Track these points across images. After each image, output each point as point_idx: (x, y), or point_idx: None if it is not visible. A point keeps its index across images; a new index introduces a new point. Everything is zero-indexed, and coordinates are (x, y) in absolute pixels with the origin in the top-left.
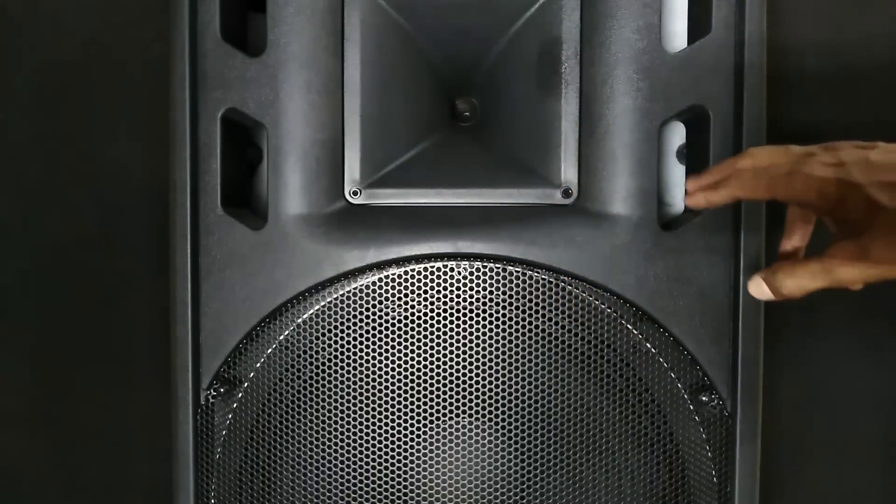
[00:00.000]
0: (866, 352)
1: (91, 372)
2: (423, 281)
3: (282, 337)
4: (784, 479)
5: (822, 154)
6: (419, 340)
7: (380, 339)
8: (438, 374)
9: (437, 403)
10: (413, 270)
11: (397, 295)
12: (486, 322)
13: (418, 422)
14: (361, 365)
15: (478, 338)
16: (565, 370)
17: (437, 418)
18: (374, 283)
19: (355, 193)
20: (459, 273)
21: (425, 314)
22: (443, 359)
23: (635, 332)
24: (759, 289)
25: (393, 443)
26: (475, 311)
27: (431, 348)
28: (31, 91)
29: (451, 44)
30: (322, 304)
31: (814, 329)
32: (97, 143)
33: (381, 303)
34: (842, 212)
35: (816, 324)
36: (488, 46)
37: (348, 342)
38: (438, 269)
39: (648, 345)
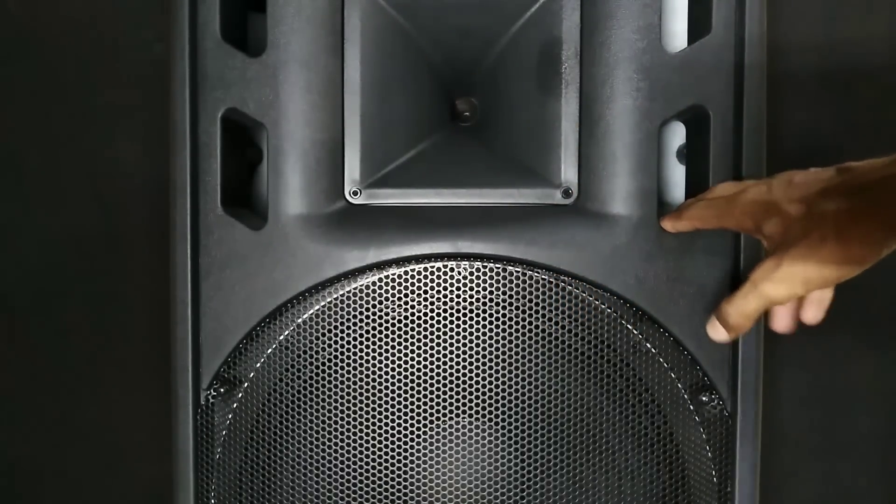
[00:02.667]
0: (866, 352)
1: (91, 372)
2: (423, 281)
3: (282, 337)
4: (784, 479)
5: (763, 182)
6: (419, 340)
7: (380, 339)
8: (438, 375)
9: (437, 403)
10: (413, 270)
11: (397, 295)
12: (487, 322)
13: (418, 422)
14: (361, 365)
15: (478, 338)
16: (565, 370)
17: (437, 418)
18: (374, 283)
19: (355, 193)
20: (459, 273)
21: (425, 314)
22: (443, 359)
23: (635, 332)
24: (715, 331)
25: (393, 443)
26: (475, 311)
27: (431, 348)
28: (31, 91)
29: (451, 44)
30: (322, 304)
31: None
32: (97, 143)
33: (381, 303)
34: (767, 230)
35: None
36: (488, 46)
37: (348, 342)
38: (438, 269)
39: (648, 345)
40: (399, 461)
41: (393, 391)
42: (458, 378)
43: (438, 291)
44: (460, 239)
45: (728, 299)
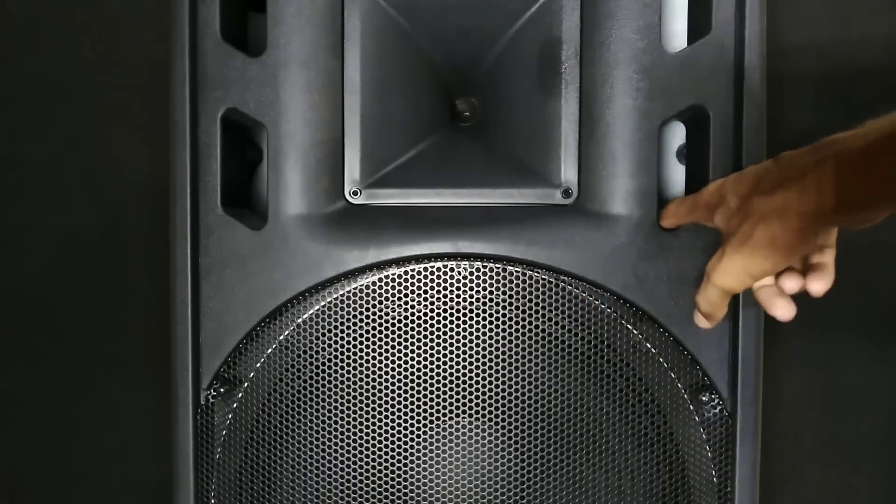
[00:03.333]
0: (866, 352)
1: (91, 372)
2: (423, 281)
3: (282, 337)
4: (784, 479)
5: (728, 176)
6: (419, 340)
7: (380, 339)
8: (439, 374)
9: (437, 403)
10: (413, 270)
11: (397, 295)
12: (487, 322)
13: (418, 422)
14: (362, 365)
15: (478, 338)
16: (565, 370)
17: (437, 418)
18: (374, 283)
19: (355, 193)
20: (459, 273)
21: (425, 314)
22: (443, 359)
23: (635, 332)
24: (698, 319)
25: (393, 443)
26: (475, 311)
27: (431, 348)
28: (31, 91)
29: (451, 44)
30: (322, 304)
31: (814, 329)
32: (97, 143)
33: (381, 303)
34: (716, 222)
35: (816, 324)
36: (488, 46)
37: (348, 342)
38: (438, 269)
39: (648, 345)
40: (399, 461)
41: (393, 391)
42: (458, 378)
43: (438, 291)
44: (460, 239)
45: (698, 290)
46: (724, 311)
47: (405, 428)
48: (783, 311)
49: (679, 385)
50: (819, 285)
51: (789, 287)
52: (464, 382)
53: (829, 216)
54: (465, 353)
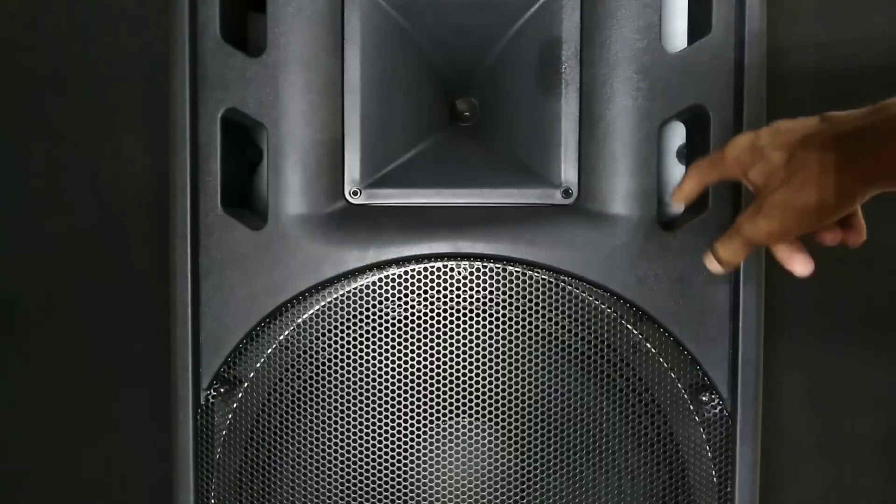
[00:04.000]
0: (866, 352)
1: (91, 372)
2: (423, 281)
3: (282, 337)
4: (784, 479)
5: (753, 132)
6: (419, 340)
7: (380, 339)
8: (439, 374)
9: (437, 403)
10: (413, 270)
11: (397, 295)
12: (487, 322)
13: (418, 422)
14: (361, 365)
15: (478, 338)
16: (565, 370)
17: (438, 418)
18: (374, 283)
19: (355, 193)
20: (459, 273)
21: (425, 314)
22: (443, 359)
23: (635, 332)
24: (710, 262)
25: (393, 442)
26: (475, 311)
27: (431, 348)
28: (31, 91)
29: (451, 44)
30: (322, 304)
31: (814, 329)
32: (97, 143)
33: (381, 303)
34: (752, 176)
35: (816, 324)
36: (488, 46)
37: (348, 342)
38: (438, 269)
39: (648, 345)
40: (399, 461)
41: (393, 391)
42: (458, 378)
43: (438, 291)
44: (460, 239)
45: (720, 240)
46: (741, 262)
47: (405, 428)
48: (803, 266)
49: (679, 385)
50: (857, 237)
51: (830, 240)
52: (464, 382)
53: (888, 180)
54: (465, 353)
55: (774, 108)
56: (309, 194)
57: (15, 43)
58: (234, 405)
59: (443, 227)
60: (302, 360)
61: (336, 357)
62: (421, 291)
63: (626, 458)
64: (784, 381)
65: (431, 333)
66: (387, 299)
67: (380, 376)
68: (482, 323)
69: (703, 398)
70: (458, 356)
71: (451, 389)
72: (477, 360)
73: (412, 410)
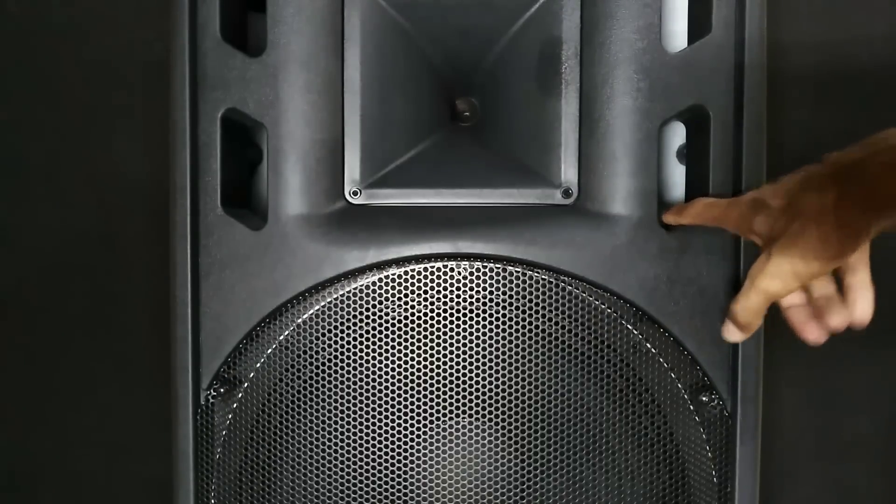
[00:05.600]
0: (866, 352)
1: (91, 371)
2: (423, 281)
3: (282, 337)
4: (784, 479)
5: (755, 191)
6: (419, 340)
7: (380, 339)
8: (438, 374)
9: (437, 403)
10: (413, 270)
11: (397, 295)
12: (487, 322)
13: (418, 422)
14: (361, 365)
15: (478, 338)
16: (565, 370)
17: (437, 418)
18: (374, 283)
19: (355, 193)
20: (459, 273)
21: (425, 314)
22: (443, 359)
23: (635, 332)
24: (730, 333)
25: (393, 443)
26: (475, 311)
27: (431, 348)
28: (31, 91)
29: (451, 44)
30: (322, 304)
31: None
32: (97, 143)
33: (381, 303)
34: (757, 228)
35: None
36: (488, 46)
37: (348, 342)
38: (438, 269)
39: (648, 345)
40: (399, 461)
41: (393, 391)
42: (458, 378)
43: (438, 291)
44: (460, 239)
45: (735, 299)
46: (761, 322)
47: (405, 428)
48: (815, 334)
49: (679, 385)
50: (860, 311)
51: (836, 325)
52: (464, 382)
53: (889, 212)
54: (465, 353)
55: (774, 108)
56: (309, 194)
57: (15, 43)
58: (234, 405)
59: (443, 227)
60: (302, 360)
61: (336, 357)
62: (421, 291)
63: (626, 458)
64: (784, 381)
65: (431, 333)
66: (387, 299)
67: (380, 376)
68: (482, 323)
69: (703, 398)
70: (458, 356)
71: (451, 389)
72: (477, 360)
73: (412, 410)
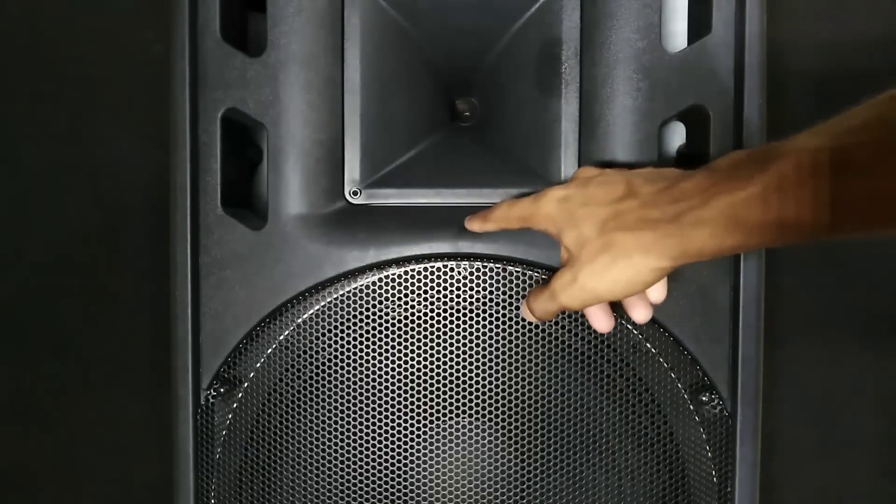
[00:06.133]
0: (866, 352)
1: (91, 372)
2: (423, 281)
3: (282, 337)
4: (784, 479)
5: (562, 188)
6: (419, 340)
7: (380, 339)
8: (439, 374)
9: (437, 403)
10: (413, 270)
11: (397, 295)
12: (487, 322)
13: (418, 422)
14: (362, 365)
15: (478, 338)
16: (565, 370)
17: (437, 418)
18: (374, 283)
19: (355, 193)
20: (459, 273)
21: (425, 314)
22: (443, 359)
23: (635, 332)
24: (524, 311)
25: (393, 443)
26: (475, 311)
27: (432, 348)
28: (31, 91)
29: (451, 44)
30: (322, 304)
31: (814, 329)
32: (97, 143)
33: (381, 303)
34: (566, 242)
35: (816, 324)
36: (488, 46)
37: (348, 342)
38: (438, 269)
39: (648, 345)
40: (399, 461)
41: (393, 391)
42: (458, 378)
43: (438, 291)
44: (460, 239)
45: (535, 295)
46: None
47: (405, 428)
48: (605, 324)
49: (679, 385)
50: (656, 294)
51: (641, 318)
52: (464, 382)
53: (707, 255)
54: (465, 353)
55: (774, 108)
56: (309, 194)
57: (15, 43)
58: (234, 405)
59: (443, 227)
60: (302, 360)
61: (336, 357)
62: (421, 291)
63: (626, 458)
64: (784, 381)
65: (431, 333)
66: (387, 299)
67: (380, 376)
68: (482, 323)
69: (703, 398)
70: (458, 356)
71: (451, 389)
72: (477, 360)
73: (412, 410)
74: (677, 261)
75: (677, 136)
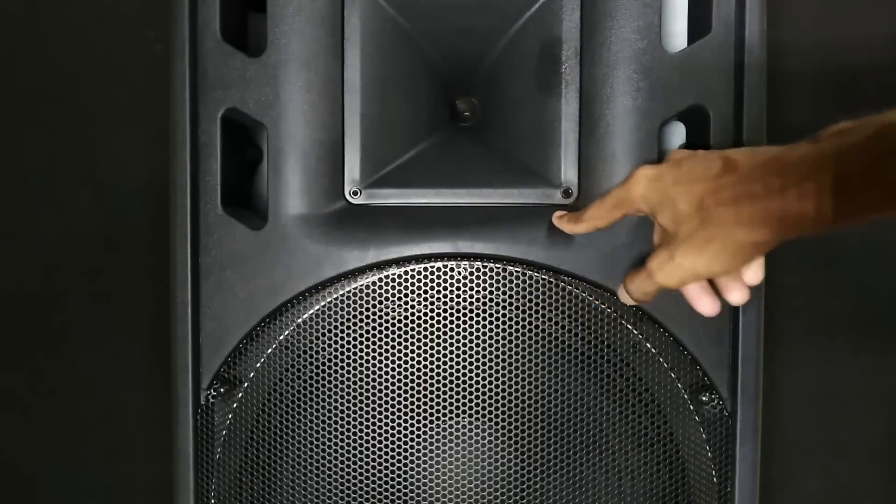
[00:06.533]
0: (866, 353)
1: (91, 371)
2: (423, 281)
3: (282, 337)
4: (784, 479)
5: (655, 167)
6: (419, 340)
7: (380, 339)
8: (438, 374)
9: (437, 403)
10: (413, 270)
11: (397, 295)
12: (486, 322)
13: (418, 422)
14: (362, 365)
15: (478, 338)
16: (565, 370)
17: (437, 418)
18: (374, 283)
19: (355, 193)
20: (459, 273)
21: (425, 314)
22: (443, 359)
23: (635, 332)
24: (622, 296)
25: (393, 443)
26: (475, 311)
27: (431, 348)
28: (31, 91)
29: (451, 44)
30: (322, 304)
31: (814, 329)
32: (97, 142)
33: (381, 303)
34: (662, 220)
35: (816, 324)
36: (488, 46)
37: (348, 342)
38: (438, 269)
39: (648, 345)
40: (399, 461)
41: (393, 391)
42: (458, 378)
43: (438, 291)
44: (460, 239)
45: (631, 277)
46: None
47: (405, 428)
48: (709, 307)
49: (679, 385)
50: (753, 276)
51: (738, 300)
52: (464, 382)
53: (808, 229)
54: (465, 353)
55: (774, 108)
56: (309, 194)
57: (15, 43)
58: (234, 405)
59: (443, 227)
60: (302, 360)
61: (336, 357)
62: (421, 291)
63: (626, 458)
64: (784, 381)
65: (431, 333)
66: (387, 299)
67: (380, 376)
68: (482, 323)
69: (703, 398)
70: (458, 356)
71: (451, 389)
72: (477, 360)
73: (412, 410)
74: (777, 235)
75: (677, 136)
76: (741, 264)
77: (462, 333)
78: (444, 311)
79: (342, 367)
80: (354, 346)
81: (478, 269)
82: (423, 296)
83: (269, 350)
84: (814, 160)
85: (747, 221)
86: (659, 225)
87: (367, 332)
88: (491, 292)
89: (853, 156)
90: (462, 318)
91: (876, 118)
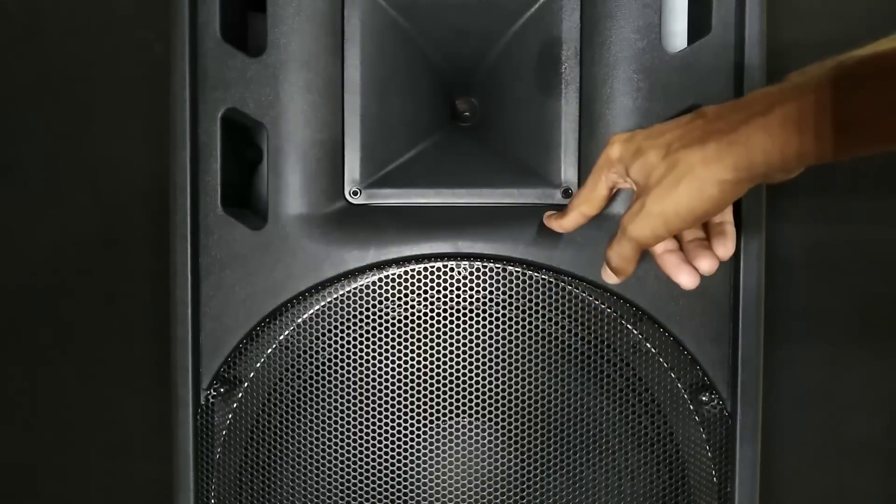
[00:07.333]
0: (866, 353)
1: (91, 371)
2: (423, 281)
3: (282, 337)
4: (784, 479)
5: (629, 133)
6: (419, 340)
7: (380, 339)
8: (438, 374)
9: (437, 403)
10: (413, 270)
11: (397, 295)
12: (486, 322)
13: (418, 422)
14: (361, 365)
15: (478, 338)
16: (565, 370)
17: (437, 418)
18: (374, 283)
19: (355, 193)
20: (459, 273)
21: (425, 314)
22: (443, 359)
23: (635, 332)
24: (607, 275)
25: (393, 443)
26: (475, 311)
27: (431, 348)
28: (31, 91)
29: (451, 44)
30: (322, 304)
31: (814, 329)
32: (97, 143)
33: (381, 303)
34: (633, 174)
35: (816, 324)
36: (488, 46)
37: (348, 342)
38: (438, 269)
39: (648, 345)
40: (399, 461)
41: (393, 391)
42: (458, 378)
43: (438, 291)
44: (460, 239)
45: (609, 245)
46: (634, 268)
47: (405, 428)
48: (689, 278)
49: (679, 385)
50: (724, 250)
51: (707, 269)
52: (464, 382)
53: (774, 163)
54: (465, 353)
55: None
56: (309, 194)
57: (15, 43)
58: (234, 405)
59: (443, 227)
60: (302, 360)
61: (336, 357)
62: (421, 291)
63: (626, 458)
64: (784, 381)
65: (431, 333)
66: (387, 299)
67: (380, 376)
68: (482, 323)
69: (703, 398)
70: (458, 356)
71: (451, 389)
72: (477, 360)
73: (412, 410)
74: (741, 172)
75: None
76: (710, 207)
77: (462, 333)
78: (444, 311)
79: (342, 368)
80: (354, 346)
81: (478, 269)
82: (423, 296)
83: (269, 350)
84: (775, 95)
85: (713, 158)
86: (633, 183)
87: (367, 332)
88: (491, 292)
89: (810, 88)
90: (462, 318)
91: (836, 58)
